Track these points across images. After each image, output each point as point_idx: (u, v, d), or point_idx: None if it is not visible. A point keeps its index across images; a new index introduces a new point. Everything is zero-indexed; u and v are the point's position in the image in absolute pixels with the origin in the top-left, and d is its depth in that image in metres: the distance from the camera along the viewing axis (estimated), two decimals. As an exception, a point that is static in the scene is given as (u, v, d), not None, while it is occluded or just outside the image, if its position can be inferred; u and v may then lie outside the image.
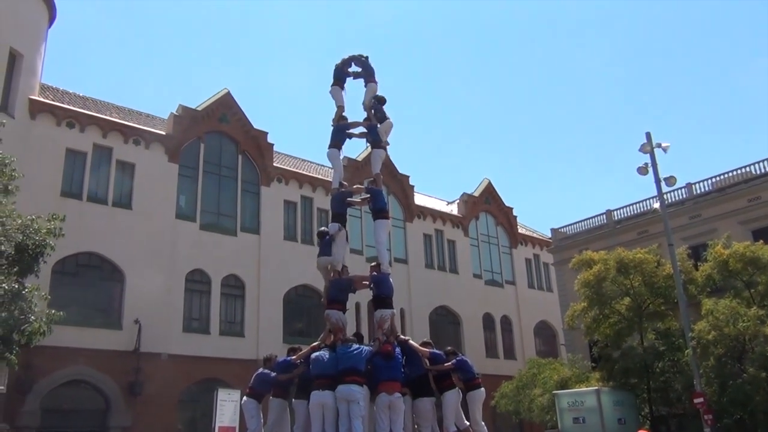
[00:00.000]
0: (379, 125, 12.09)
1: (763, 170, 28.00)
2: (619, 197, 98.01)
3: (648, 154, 22.09)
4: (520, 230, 43.33)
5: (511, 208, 42.98)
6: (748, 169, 28.77)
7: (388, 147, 12.35)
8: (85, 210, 25.18)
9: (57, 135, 25.63)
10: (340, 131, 12.02)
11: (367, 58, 12.73)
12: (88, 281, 24.92)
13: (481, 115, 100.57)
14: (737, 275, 21.68)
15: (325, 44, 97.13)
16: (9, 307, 11.26)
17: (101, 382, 24.00)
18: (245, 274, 29.09)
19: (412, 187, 37.75)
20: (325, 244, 10.97)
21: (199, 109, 30.14)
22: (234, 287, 28.90)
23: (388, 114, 12.23)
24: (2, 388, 16.48)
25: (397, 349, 9.64)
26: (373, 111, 12.23)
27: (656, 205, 23.44)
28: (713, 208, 28.57)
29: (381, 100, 12.28)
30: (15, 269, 12.11)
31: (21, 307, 11.56)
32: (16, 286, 11.58)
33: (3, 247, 11.76)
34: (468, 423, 9.85)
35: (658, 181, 21.98)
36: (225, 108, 31.04)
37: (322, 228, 11.94)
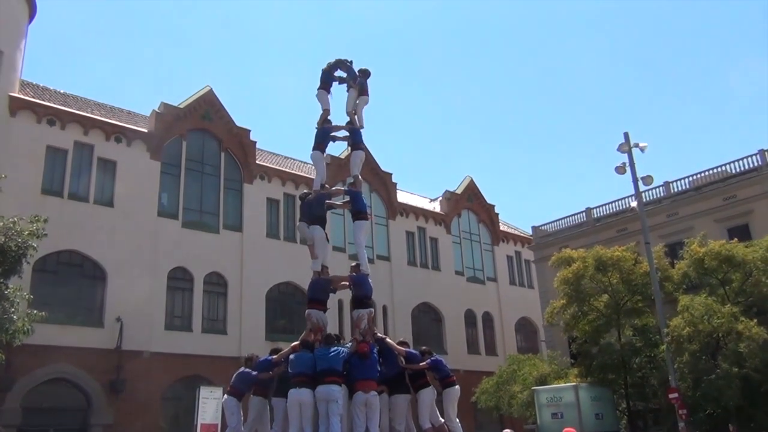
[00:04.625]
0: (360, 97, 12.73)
1: (739, 169, 28.49)
2: (599, 195, 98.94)
3: (626, 154, 22.45)
4: (501, 228, 43.66)
5: (493, 206, 43.30)
6: (724, 168, 29.24)
7: (362, 128, 12.76)
8: (66, 208, 25.09)
9: (38, 132, 25.48)
10: (324, 134, 12.33)
11: (351, 63, 13.03)
12: (69, 279, 24.84)
13: (464, 113, 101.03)
14: (712, 273, 22.09)
15: (307, 41, 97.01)
16: (-8, 307, 11.36)
17: (82, 381, 23.97)
18: (228, 272, 29.13)
19: (395, 184, 37.93)
20: (304, 210, 11.57)
21: (181, 106, 30.08)
22: (216, 285, 28.93)
23: (368, 91, 12.92)
24: (-17, 387, 16.45)
25: (374, 348, 9.90)
26: (357, 76, 12.87)
27: (634, 204, 23.84)
28: (690, 206, 29.02)
29: (365, 73, 12.95)
30: (-2, 270, 12.20)
31: (3, 307, 11.63)
32: (-1, 287, 11.66)
33: (-15, 249, 11.86)
34: (443, 420, 10.09)
35: (635, 180, 22.36)
36: (207, 105, 31.00)
37: (305, 191, 12.44)
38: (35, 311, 12.55)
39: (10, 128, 24.55)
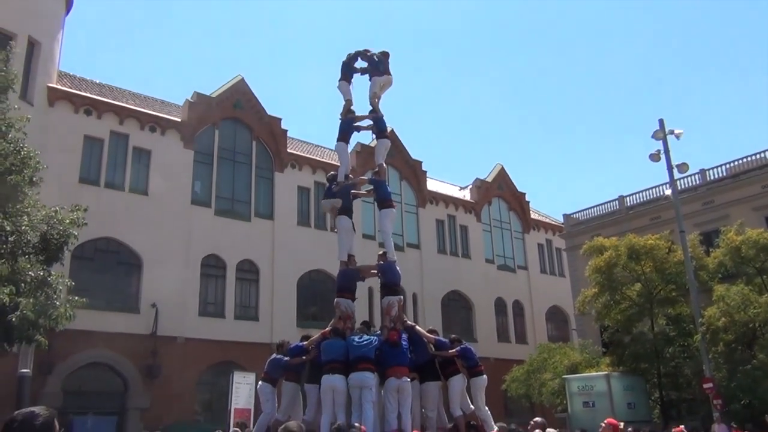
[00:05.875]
0: (378, 78, 12.74)
1: (777, 156, 27.87)
2: (632, 183, 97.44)
3: (661, 141, 22.07)
4: (532, 215, 43.39)
5: (524, 194, 43.02)
6: (763, 155, 28.62)
7: (380, 101, 12.82)
8: (102, 196, 25.63)
9: (75, 122, 26.06)
10: (348, 125, 12.43)
11: (371, 53, 13.06)
12: (106, 266, 25.42)
13: (495, 101, 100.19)
14: (749, 262, 21.68)
15: (337, 28, 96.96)
16: (35, 294, 11.76)
17: (120, 365, 24.59)
18: (260, 259, 29.50)
19: (425, 172, 37.88)
20: (330, 190, 11.76)
21: (213, 95, 30.43)
22: (248, 272, 29.33)
23: (390, 71, 12.93)
24: (28, 371, 16.99)
25: (404, 335, 10.01)
26: (378, 62, 12.89)
27: (668, 192, 23.45)
28: (727, 194, 28.47)
29: (385, 55, 12.99)
30: (41, 258, 12.60)
31: (47, 294, 12.04)
32: (42, 274, 12.05)
33: (29, 237, 12.27)
34: (473, 407, 10.17)
35: (670, 167, 21.98)
36: (239, 94, 31.31)
37: (332, 172, 12.60)
38: (76, 297, 12.96)
39: (48, 118, 25.11)
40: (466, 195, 40.69)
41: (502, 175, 42.32)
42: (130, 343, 24.50)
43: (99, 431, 22.40)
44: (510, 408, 32.11)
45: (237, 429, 11.44)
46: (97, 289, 23.75)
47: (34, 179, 13.07)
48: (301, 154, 33.34)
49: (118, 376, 24.69)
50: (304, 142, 36.09)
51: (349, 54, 13.12)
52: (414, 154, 37.39)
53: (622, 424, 16.97)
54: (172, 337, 25.68)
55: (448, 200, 38.73)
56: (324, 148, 36.43)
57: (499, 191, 41.82)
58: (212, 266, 28.27)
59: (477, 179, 41.15)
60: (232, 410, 19.74)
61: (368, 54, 13.05)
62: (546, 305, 41.00)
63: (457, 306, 36.85)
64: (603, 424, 8.53)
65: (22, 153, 12.71)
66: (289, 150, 32.40)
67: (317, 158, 33.71)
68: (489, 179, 41.49)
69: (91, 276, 24.03)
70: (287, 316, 28.92)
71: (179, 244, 27.04)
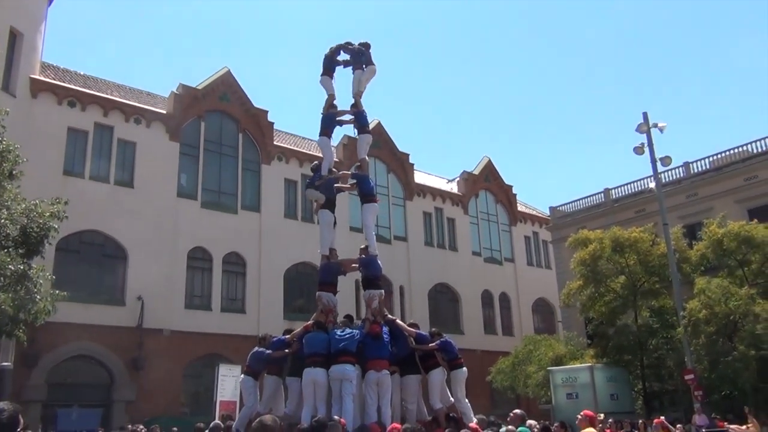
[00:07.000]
0: (365, 67, 12.78)
1: (760, 149, 28.09)
2: (618, 176, 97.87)
3: (645, 134, 22.24)
4: (519, 208, 43.53)
5: (511, 186, 43.14)
6: (745, 147, 28.85)
7: (364, 92, 12.87)
8: (87, 188, 25.48)
9: (58, 114, 25.84)
10: (330, 119, 12.49)
11: (354, 46, 13.09)
12: (91, 258, 25.31)
13: (482, 93, 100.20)
14: (731, 254, 21.91)
15: (324, 19, 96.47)
16: (15, 288, 11.68)
17: (105, 357, 24.53)
18: (246, 252, 29.46)
19: (412, 165, 37.90)
20: (314, 179, 11.88)
21: (199, 87, 30.25)
22: (235, 264, 29.28)
23: (372, 60, 12.96)
24: (9, 364, 16.94)
25: (385, 329, 10.09)
26: (359, 54, 12.94)
27: (653, 185, 23.63)
28: (710, 186, 28.71)
29: (366, 46, 13.04)
30: (21, 251, 12.52)
31: (27, 288, 11.97)
32: (22, 267, 11.98)
33: (8, 231, 12.19)
34: (453, 400, 10.26)
35: (653, 161, 22.18)
36: (225, 87, 31.15)
37: (315, 162, 12.72)
38: (57, 291, 12.91)
39: (31, 110, 24.90)
40: (453, 188, 40.75)
41: (489, 168, 42.41)
42: (115, 335, 24.45)
43: (84, 423, 22.33)
44: (496, 400, 32.32)
45: (218, 422, 11.44)
46: (83, 282, 23.75)
47: (14, 172, 12.95)
48: (288, 146, 33.27)
49: (103, 368, 24.63)
50: (291, 134, 35.98)
51: (331, 47, 13.14)
52: (401, 147, 37.43)
53: (602, 416, 17.18)
54: (157, 329, 25.62)
55: (435, 193, 38.79)
56: (311, 140, 36.22)
57: (486, 184, 41.93)
58: (199, 259, 28.21)
59: (464, 172, 41.23)
60: (218, 403, 19.79)
61: (350, 47, 13.06)
62: (532, 297, 41.23)
63: (444, 298, 37.00)
64: (580, 416, 8.60)
65: (1, 146, 12.60)
66: (275, 142, 32.31)
67: (304, 150, 33.61)
68: (476, 172, 41.58)
69: (76, 269, 23.98)
70: (274, 309, 28.93)
71: (165, 236, 26.94)
